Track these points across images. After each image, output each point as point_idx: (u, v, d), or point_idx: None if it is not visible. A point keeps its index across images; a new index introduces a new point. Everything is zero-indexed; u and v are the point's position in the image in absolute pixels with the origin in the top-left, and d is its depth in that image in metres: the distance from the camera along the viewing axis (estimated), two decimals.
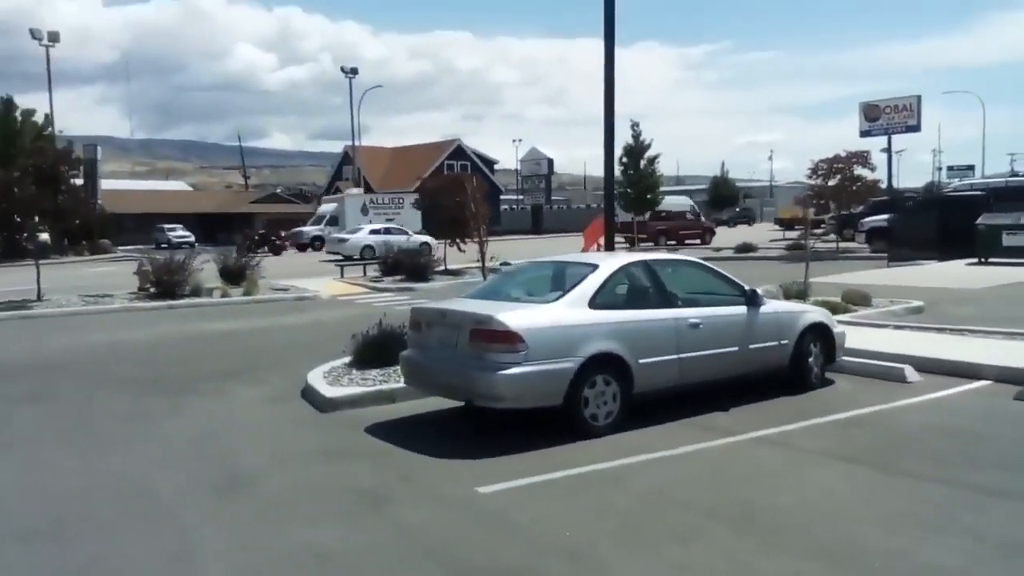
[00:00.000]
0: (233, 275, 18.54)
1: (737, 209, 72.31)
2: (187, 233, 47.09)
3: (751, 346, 6.92)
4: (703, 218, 42.72)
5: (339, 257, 29.74)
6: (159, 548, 4.02)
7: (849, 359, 7.93)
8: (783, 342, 7.19)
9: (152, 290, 16.81)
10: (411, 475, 5.10)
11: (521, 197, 64.80)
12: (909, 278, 16.85)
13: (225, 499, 4.78)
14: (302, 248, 41.88)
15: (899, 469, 4.97)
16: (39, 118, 41.17)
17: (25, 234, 16.75)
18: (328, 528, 4.23)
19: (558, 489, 4.74)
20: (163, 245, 46.14)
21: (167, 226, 48.15)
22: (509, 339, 5.62)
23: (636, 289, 6.81)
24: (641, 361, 6.09)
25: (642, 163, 30.97)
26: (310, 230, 43.87)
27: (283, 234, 42.65)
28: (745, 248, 28.42)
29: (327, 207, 46.99)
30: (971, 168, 68.50)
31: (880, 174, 31.68)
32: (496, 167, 62.99)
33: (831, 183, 28.47)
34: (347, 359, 8.50)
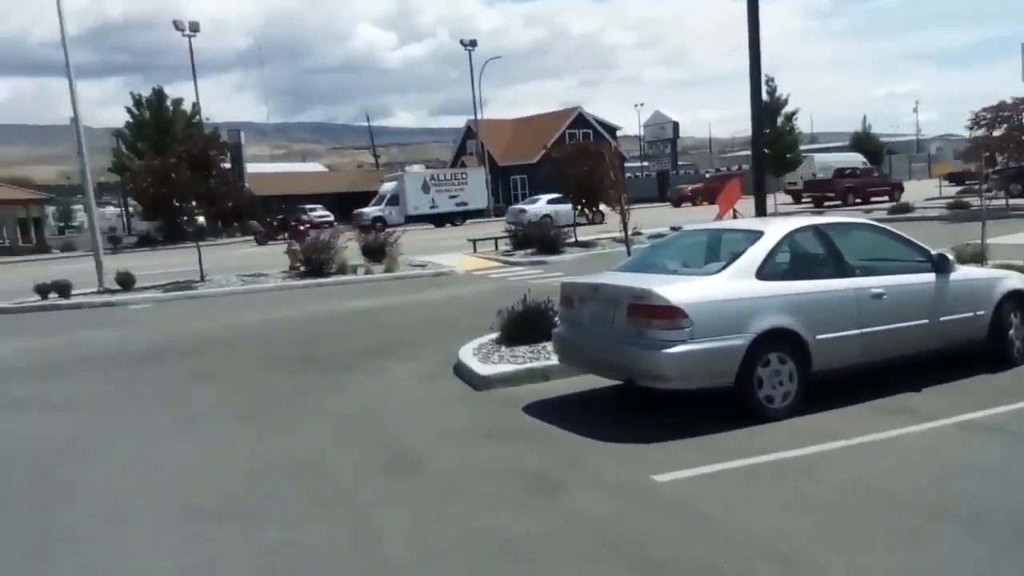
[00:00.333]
0: (374, 252, 19.13)
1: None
2: (327, 213, 49.01)
3: (942, 318, 6.21)
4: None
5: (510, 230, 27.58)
6: (342, 531, 4.05)
7: None
8: (979, 312, 6.41)
9: (302, 269, 17.64)
10: (579, 459, 4.92)
11: (645, 164, 63.09)
12: None
13: (397, 479, 4.79)
14: (365, 229, 39.41)
15: None
16: (187, 107, 44.18)
17: (185, 217, 17.88)
18: (505, 514, 4.12)
19: (742, 479, 4.40)
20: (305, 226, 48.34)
21: (308, 206, 50.46)
22: (671, 314, 5.29)
23: (807, 257, 6.26)
24: (819, 337, 5.59)
25: (779, 120, 29.27)
26: (371, 211, 42.70)
27: (304, 218, 39.62)
28: (901, 209, 26.20)
29: (387, 186, 45.82)
30: None
31: None
32: (619, 133, 61.54)
33: (996, 133, 25.65)
34: (494, 335, 8.45)
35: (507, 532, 3.87)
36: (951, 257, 6.63)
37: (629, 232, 13.15)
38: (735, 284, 5.61)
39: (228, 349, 9.94)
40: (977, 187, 19.60)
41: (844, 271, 6.02)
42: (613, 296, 5.83)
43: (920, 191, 35.57)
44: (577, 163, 21.54)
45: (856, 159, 39.32)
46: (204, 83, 46.28)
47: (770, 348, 5.44)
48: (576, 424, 5.60)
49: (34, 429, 6.56)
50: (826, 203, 31.50)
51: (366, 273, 17.57)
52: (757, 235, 6.06)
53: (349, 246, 18.53)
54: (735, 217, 21.46)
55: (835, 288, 5.85)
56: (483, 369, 7.19)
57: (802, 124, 38.61)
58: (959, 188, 32.94)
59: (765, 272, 5.73)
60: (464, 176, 46.93)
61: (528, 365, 7.25)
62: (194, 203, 17.44)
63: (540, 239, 20.63)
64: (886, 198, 34.31)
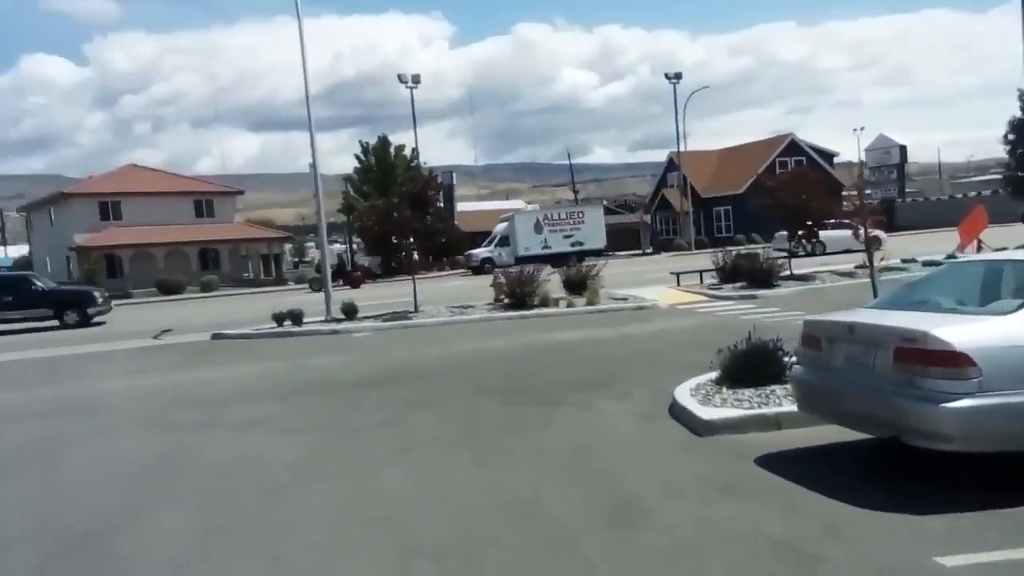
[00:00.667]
0: (575, 286, 19.03)
1: None
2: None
3: None
4: None
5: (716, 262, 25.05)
6: None
7: None
8: None
9: (506, 301, 17.94)
10: (836, 527, 4.16)
11: (868, 191, 57.96)
12: None
13: (623, 532, 4.34)
14: (476, 271, 39.06)
15: None
16: (407, 152, 47.76)
17: (403, 252, 18.96)
18: None
19: None
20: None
21: None
22: (955, 361, 4.38)
23: None
24: None
25: None
26: (481, 252, 41.93)
27: (359, 265, 40.18)
28: None
29: (500, 227, 44.00)
30: None
31: None
32: (835, 160, 57.25)
33: None
34: (712, 375, 7.77)
35: None
36: None
37: (875, 264, 11.68)
38: None
39: (441, 377, 10.13)
40: None
41: None
42: (874, 337, 4.99)
43: None
44: (794, 191, 20.13)
45: None
46: (421, 131, 49.84)
47: None
48: (823, 484, 4.82)
49: (267, 450, 6.93)
50: None
51: (568, 306, 17.45)
52: None
53: (552, 279, 18.57)
54: (979, 248, 18.71)
55: None
56: (705, 412, 6.57)
57: None
58: None
59: None
60: (580, 215, 43.81)
61: (757, 411, 6.51)
62: (411, 239, 18.43)
63: (751, 272, 19.33)
64: None
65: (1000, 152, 36.64)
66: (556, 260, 40.73)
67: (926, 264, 14.01)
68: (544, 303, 17.49)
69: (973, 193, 53.49)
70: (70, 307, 23.14)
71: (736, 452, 5.70)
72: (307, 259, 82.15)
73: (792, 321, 12.39)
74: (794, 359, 6.10)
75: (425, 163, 48.13)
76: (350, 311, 17.61)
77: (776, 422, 6.30)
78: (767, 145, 56.92)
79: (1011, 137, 25.09)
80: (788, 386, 6.52)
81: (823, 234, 23.61)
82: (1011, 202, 38.53)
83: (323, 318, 17.86)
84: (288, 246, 65.44)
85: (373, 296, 24.97)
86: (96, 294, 24.40)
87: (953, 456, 4.58)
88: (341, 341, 15.20)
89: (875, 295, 8.83)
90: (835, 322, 5.57)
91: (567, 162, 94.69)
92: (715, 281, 20.65)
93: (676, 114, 52.70)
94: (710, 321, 14.08)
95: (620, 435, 6.54)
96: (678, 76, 52.79)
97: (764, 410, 6.51)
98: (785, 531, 4.16)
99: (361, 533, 4.61)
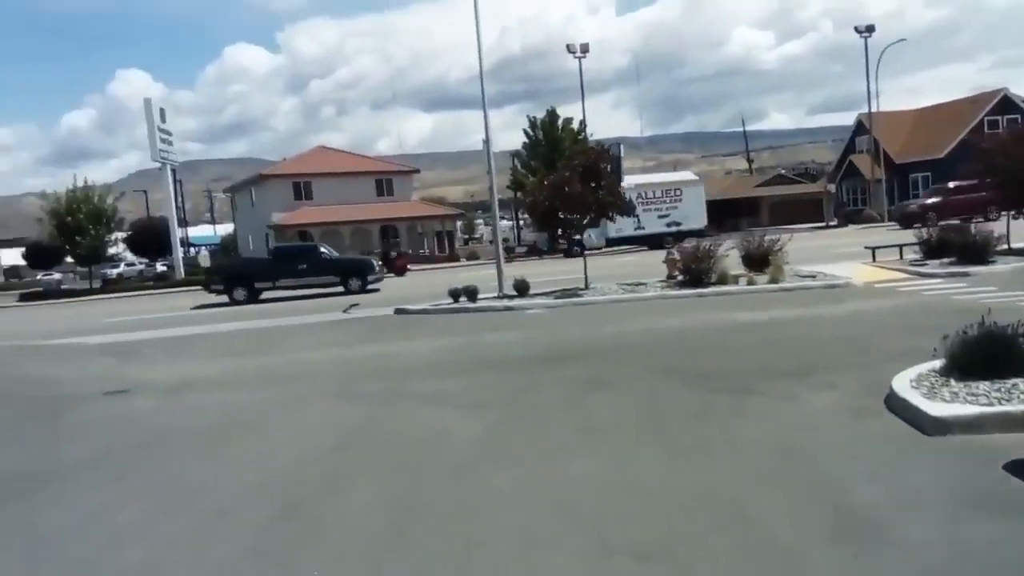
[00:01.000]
0: (756, 261, 17.88)
1: None
2: None
3: None
4: None
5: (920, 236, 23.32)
6: None
7: None
8: None
9: (680, 278, 17.23)
10: None
11: None
12: None
13: (855, 548, 3.78)
14: (567, 254, 36.98)
15: None
16: (574, 125, 47.47)
17: (572, 229, 18.73)
18: None
19: None
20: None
21: None
22: None
23: None
24: None
25: None
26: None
27: (400, 251, 39.55)
28: None
29: None
30: None
31: None
32: None
33: None
34: (932, 364, 6.84)
35: None
36: None
37: None
38: None
39: (618, 357, 9.80)
40: None
41: None
42: None
43: None
44: (1016, 153, 17.57)
45: None
46: (585, 103, 49.16)
47: None
48: None
49: (452, 425, 6.97)
50: None
51: (748, 283, 16.43)
52: None
53: (729, 255, 17.59)
54: None
55: None
56: (933, 408, 5.73)
57: None
58: None
59: None
60: (678, 192, 40.35)
61: (1000, 408, 5.59)
62: (581, 214, 18.13)
63: (962, 246, 17.16)
64: None
65: None
66: (651, 242, 38.18)
67: None
68: (722, 280, 16.58)
69: None
70: (354, 274, 25.21)
71: (978, 456, 4.90)
72: (476, 236, 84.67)
73: (1018, 303, 10.81)
74: None
75: (592, 135, 47.68)
76: (522, 288, 17.69)
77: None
78: (973, 103, 50.56)
79: None
80: None
81: None
82: None
83: (496, 294, 18.09)
84: (459, 223, 67.66)
85: (542, 273, 25.04)
86: (375, 263, 26.89)
87: None
88: (514, 317, 15.28)
89: None
90: None
91: (739, 129, 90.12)
92: (917, 256, 18.60)
93: (867, 72, 48.24)
94: (916, 301, 12.64)
95: (830, 431, 5.87)
96: (869, 29, 48.15)
97: (1008, 407, 5.59)
98: None
99: (557, 524, 4.40)
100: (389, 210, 50.30)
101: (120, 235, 45.42)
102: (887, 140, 49.95)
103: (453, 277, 23.42)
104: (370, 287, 25.12)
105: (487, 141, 19.37)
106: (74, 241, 40.29)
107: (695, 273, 16.75)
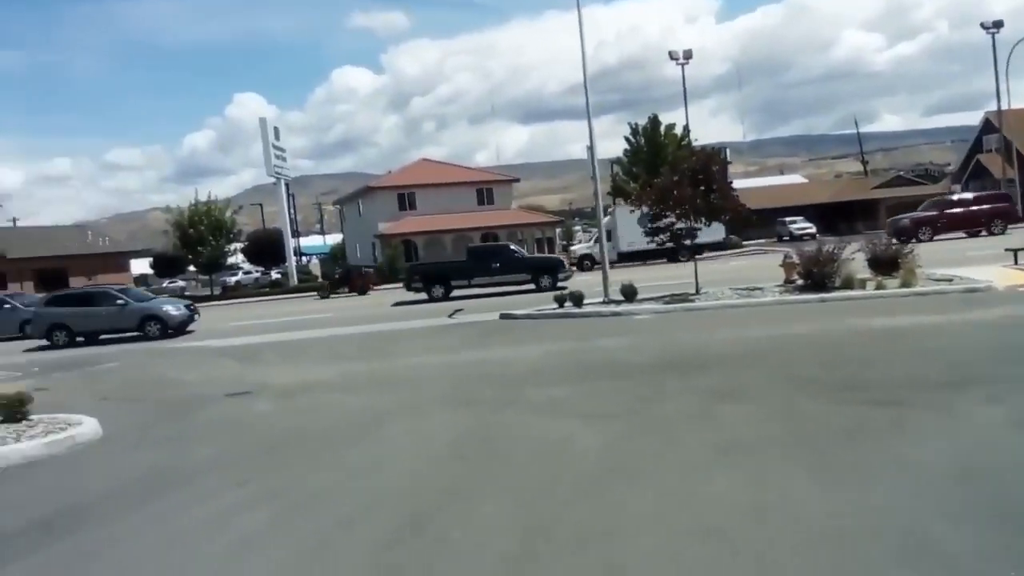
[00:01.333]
0: (884, 265, 16.65)
1: None
2: (808, 224, 46.57)
3: None
4: None
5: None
6: None
7: None
8: None
9: (800, 282, 16.26)
10: None
11: None
12: None
13: None
14: (580, 267, 35.55)
15: None
16: (677, 131, 46.35)
17: (682, 234, 18.04)
18: None
19: None
20: (784, 238, 46.44)
21: (787, 219, 48.51)
22: None
23: None
24: None
25: None
26: (580, 248, 40.28)
27: (363, 271, 38.31)
28: None
29: (605, 219, 39.37)
30: None
31: None
32: None
33: None
34: None
35: None
36: None
37: None
38: None
39: (741, 365, 9.18)
40: None
41: None
42: None
43: None
44: None
45: None
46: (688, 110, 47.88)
47: None
48: None
49: (570, 436, 6.61)
50: None
51: (876, 288, 15.29)
52: None
53: (855, 258, 16.44)
54: None
55: None
56: None
57: None
58: None
59: None
60: None
61: None
62: (692, 218, 17.45)
63: None
64: None
65: None
66: (664, 256, 36.79)
67: None
68: (847, 284, 15.50)
69: None
70: (544, 272, 25.82)
71: None
72: (574, 242, 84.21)
73: None
74: None
75: (696, 140, 46.37)
76: (629, 293, 17.16)
77: None
78: None
79: None
80: None
81: None
82: None
83: (602, 299, 17.65)
84: (558, 230, 67.32)
85: (647, 277, 24.33)
86: (564, 262, 27.70)
87: None
88: (622, 323, 14.80)
89: None
90: None
91: (849, 131, 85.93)
92: None
93: (995, 68, 44.72)
94: None
95: (1011, 450, 5.14)
96: (997, 25, 44.78)
97: None
98: None
99: (708, 552, 3.96)
100: (490, 218, 50.63)
101: (238, 245, 48.04)
102: (1020, 139, 46.10)
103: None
104: (560, 284, 24.88)
105: (591, 148, 19.04)
106: (196, 251, 42.96)
107: (817, 277, 15.75)
